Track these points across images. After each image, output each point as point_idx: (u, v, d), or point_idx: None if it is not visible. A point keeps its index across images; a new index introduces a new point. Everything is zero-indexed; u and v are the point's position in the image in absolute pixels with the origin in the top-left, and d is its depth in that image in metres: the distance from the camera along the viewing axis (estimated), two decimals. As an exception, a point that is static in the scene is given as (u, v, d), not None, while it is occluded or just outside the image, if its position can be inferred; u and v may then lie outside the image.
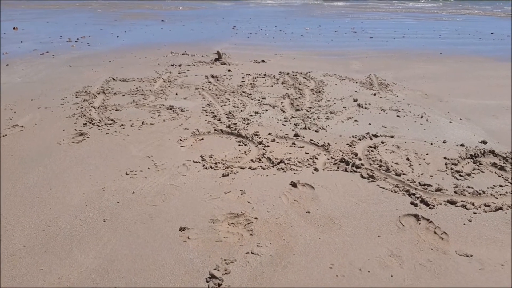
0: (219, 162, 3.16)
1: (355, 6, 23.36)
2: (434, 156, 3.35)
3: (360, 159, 3.17)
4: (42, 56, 7.36)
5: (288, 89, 5.44)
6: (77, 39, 9.28)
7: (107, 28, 11.29)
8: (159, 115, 4.28)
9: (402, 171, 2.99)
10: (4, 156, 3.26)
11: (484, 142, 3.67)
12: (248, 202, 2.57)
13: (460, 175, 3.01)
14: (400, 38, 10.66)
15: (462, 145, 3.58)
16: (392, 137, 3.72)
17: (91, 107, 4.45)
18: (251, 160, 3.22)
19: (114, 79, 5.66)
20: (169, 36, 10.14)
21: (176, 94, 5.06)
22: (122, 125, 3.97)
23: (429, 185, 2.80)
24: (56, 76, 5.85)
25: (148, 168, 3.07)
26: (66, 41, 8.99)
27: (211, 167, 3.10)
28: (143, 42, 9.26)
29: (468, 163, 3.26)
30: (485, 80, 6.09)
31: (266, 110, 4.54)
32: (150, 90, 5.17)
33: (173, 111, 4.42)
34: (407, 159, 3.26)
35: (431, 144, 3.60)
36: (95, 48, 8.29)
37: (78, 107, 4.47)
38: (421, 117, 4.33)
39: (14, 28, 10.73)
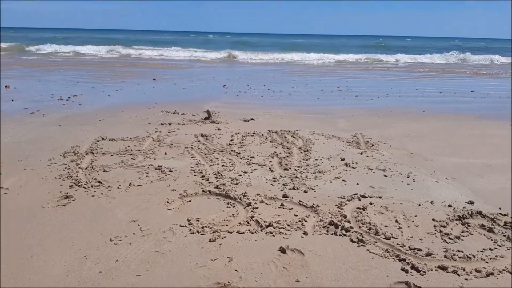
0: (206, 226, 3.11)
1: (339, 65, 24.37)
2: (423, 218, 3.35)
3: (349, 222, 3.15)
4: (32, 115, 7.41)
5: (276, 147, 5.50)
6: (69, 97, 9.42)
7: (99, 87, 11.52)
8: (147, 176, 4.26)
9: (392, 235, 2.97)
10: (-15, 221, 3.17)
11: (471, 203, 3.69)
12: (236, 270, 2.50)
13: (449, 238, 2.99)
14: (384, 97, 11.04)
15: (450, 205, 3.60)
16: (380, 197, 3.73)
17: (79, 168, 4.42)
18: (239, 223, 3.18)
19: (103, 139, 5.68)
20: (160, 95, 10.36)
21: (165, 153, 5.08)
22: (109, 186, 3.93)
23: (419, 250, 2.77)
24: (45, 136, 5.85)
25: (133, 233, 3.00)
26: (58, 100, 9.11)
27: (198, 231, 3.04)
28: (134, 100, 9.42)
29: (457, 224, 3.27)
30: (468, 138, 6.26)
31: (255, 169, 4.56)
32: (139, 150, 5.19)
33: (161, 171, 4.41)
34: (396, 221, 3.25)
35: (419, 205, 3.62)
36: (86, 107, 8.40)
37: (65, 168, 4.44)
38: (408, 177, 4.38)
39: (6, 87, 10.88)
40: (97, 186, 3.93)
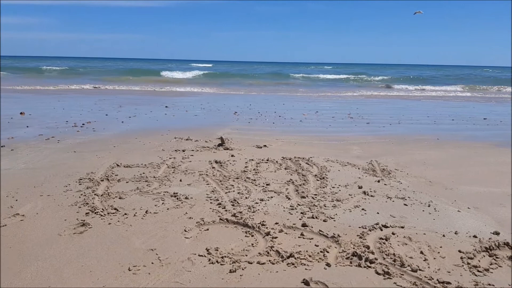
0: (225, 256, 3.04)
1: (350, 91, 24.53)
2: (448, 249, 3.24)
3: (373, 253, 3.06)
4: (47, 141, 7.48)
5: (291, 174, 5.45)
6: (83, 124, 9.53)
7: (113, 114, 11.67)
8: (163, 203, 4.22)
9: (418, 267, 2.87)
10: (3, 249, 3.13)
11: (497, 233, 3.58)
12: (259, 303, 2.42)
13: (478, 271, 2.88)
14: (396, 124, 11.01)
15: (475, 236, 3.49)
16: (403, 227, 3.63)
17: (94, 194, 4.40)
18: (259, 253, 3.10)
19: (118, 165, 5.69)
20: (172, 122, 10.44)
21: (180, 180, 5.05)
22: (125, 214, 3.89)
23: (448, 283, 2.66)
24: (60, 162, 5.87)
25: (152, 263, 2.93)
26: (72, 126, 9.22)
27: (217, 261, 2.97)
28: (147, 127, 9.50)
29: (484, 256, 3.15)
30: (486, 166, 6.15)
31: (271, 197, 4.49)
32: (154, 177, 5.17)
33: (177, 198, 4.36)
34: (421, 252, 3.14)
35: (443, 235, 3.51)
36: (100, 134, 8.47)
37: (81, 194, 4.42)
38: (429, 206, 4.28)
39: (21, 113, 11.06)
40: (113, 213, 3.89)
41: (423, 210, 4.15)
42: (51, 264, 2.91)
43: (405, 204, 4.31)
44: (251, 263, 2.93)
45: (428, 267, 2.90)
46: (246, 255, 3.07)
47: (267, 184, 4.95)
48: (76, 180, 4.96)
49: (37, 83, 24.28)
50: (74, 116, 10.91)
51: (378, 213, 4.03)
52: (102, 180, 4.95)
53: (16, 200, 4.23)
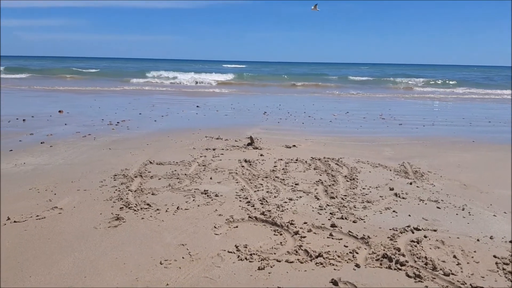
0: (254, 253, 3.07)
1: (381, 93, 24.08)
2: (483, 254, 3.14)
3: (403, 255, 3.01)
4: (84, 138, 7.77)
5: (320, 175, 5.42)
6: (118, 122, 9.83)
7: (146, 113, 11.97)
8: (193, 200, 4.30)
9: (451, 271, 2.80)
10: (42, 240, 3.29)
11: (536, 240, 3.43)
12: (287, 300, 2.43)
13: (515, 277, 2.78)
14: (430, 125, 10.72)
15: (512, 242, 3.37)
16: (435, 231, 3.55)
17: (128, 190, 4.55)
18: (288, 252, 3.11)
19: (151, 162, 5.84)
20: (203, 121, 10.60)
21: (211, 178, 5.13)
22: (157, 209, 3.99)
23: (483, 288, 2.58)
24: (96, 159, 6.09)
25: (182, 258, 3.01)
26: (107, 125, 9.53)
27: (246, 258, 3.00)
28: (179, 126, 9.69)
29: (522, 263, 3.03)
30: (525, 170, 5.90)
31: (300, 196, 4.49)
32: (185, 174, 5.27)
33: (207, 196, 4.44)
34: (454, 256, 3.06)
35: (478, 240, 3.41)
36: (134, 132, 8.71)
37: (116, 190, 4.57)
38: (463, 209, 4.16)
39: (60, 111, 11.53)
40: (146, 208, 4.00)
41: (457, 214, 4.03)
42: (87, 255, 3.04)
43: (438, 207, 4.21)
44: (280, 261, 2.95)
45: (461, 272, 2.83)
46: (275, 253, 3.09)
47: (296, 184, 4.95)
48: (111, 176, 5.13)
49: (73, 84, 25.24)
50: (110, 114, 11.26)
51: (409, 215, 3.96)
52: (135, 177, 5.10)
53: (55, 194, 4.43)
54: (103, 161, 5.92)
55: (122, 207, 4.01)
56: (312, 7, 14.43)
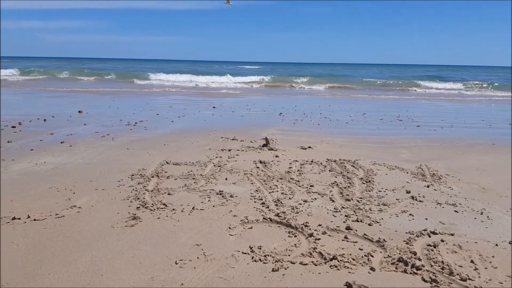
0: (268, 255, 3.08)
1: (398, 94, 23.80)
2: (501, 259, 3.08)
3: (420, 259, 2.97)
4: (102, 138, 7.91)
5: (336, 177, 5.39)
6: (135, 123, 9.98)
7: (163, 113, 12.11)
8: (209, 200, 4.34)
9: (468, 276, 2.76)
10: (61, 238, 3.37)
11: (558, 246, 3.35)
12: (301, 302, 2.43)
13: (535, 284, 2.72)
14: (448, 127, 10.54)
15: (532, 247, 3.29)
16: (452, 235, 3.50)
17: (145, 190, 4.61)
18: (302, 254, 3.11)
19: (167, 163, 5.91)
20: (219, 122, 10.66)
21: (226, 179, 5.16)
22: (173, 209, 4.04)
23: (501, 295, 2.54)
24: (114, 159, 6.20)
25: (197, 258, 3.04)
26: (125, 125, 9.68)
27: (260, 259, 3.02)
28: (195, 127, 9.77)
29: (542, 269, 2.96)
30: (547, 174, 5.75)
31: (315, 198, 4.48)
32: (201, 175, 5.32)
33: (222, 196, 4.47)
34: (472, 261, 3.01)
35: (496, 245, 3.34)
36: (151, 132, 8.83)
37: (133, 189, 4.64)
38: (481, 214, 4.08)
39: (79, 112, 11.76)
40: (162, 208, 4.06)
41: (475, 218, 3.96)
42: (104, 254, 3.10)
43: (455, 211, 4.14)
44: (294, 263, 2.96)
45: (479, 277, 2.78)
46: (289, 255, 3.09)
47: (311, 186, 4.94)
48: (128, 175, 5.22)
49: (93, 85, 25.70)
50: (128, 115, 11.44)
51: (426, 219, 3.91)
52: (152, 177, 5.17)
53: (74, 193, 4.52)
54: (121, 161, 6.02)
55: (139, 207, 4.08)
56: (225, 2, 14.25)
